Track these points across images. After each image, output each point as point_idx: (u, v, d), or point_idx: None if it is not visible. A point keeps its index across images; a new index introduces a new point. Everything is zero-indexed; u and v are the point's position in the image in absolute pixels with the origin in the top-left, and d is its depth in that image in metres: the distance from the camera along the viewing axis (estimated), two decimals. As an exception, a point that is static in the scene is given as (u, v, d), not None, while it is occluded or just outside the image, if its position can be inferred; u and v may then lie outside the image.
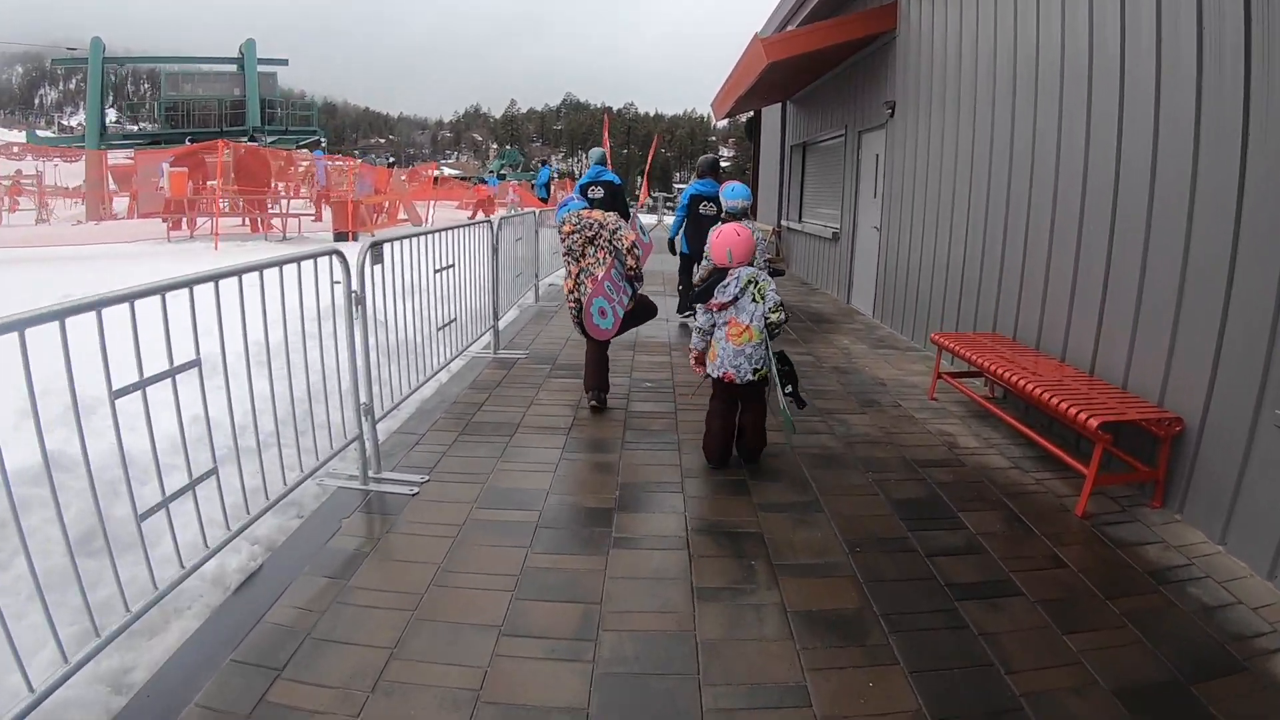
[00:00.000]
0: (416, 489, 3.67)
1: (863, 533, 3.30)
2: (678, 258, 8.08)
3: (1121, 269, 4.11)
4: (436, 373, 5.25)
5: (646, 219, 16.81)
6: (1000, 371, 4.35)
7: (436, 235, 4.92)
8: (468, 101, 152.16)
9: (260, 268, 3.04)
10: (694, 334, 3.99)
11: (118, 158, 17.30)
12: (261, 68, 31.54)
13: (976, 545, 3.22)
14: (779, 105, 13.99)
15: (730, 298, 3.75)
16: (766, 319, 3.75)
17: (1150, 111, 3.85)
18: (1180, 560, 3.14)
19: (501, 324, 7.32)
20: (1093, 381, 4.18)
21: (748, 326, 3.75)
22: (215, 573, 2.81)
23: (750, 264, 3.87)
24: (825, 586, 2.88)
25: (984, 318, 5.73)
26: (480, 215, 18.97)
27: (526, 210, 11.28)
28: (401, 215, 17.62)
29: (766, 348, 3.80)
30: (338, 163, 17.97)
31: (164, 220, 13.51)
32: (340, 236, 13.91)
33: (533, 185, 21.11)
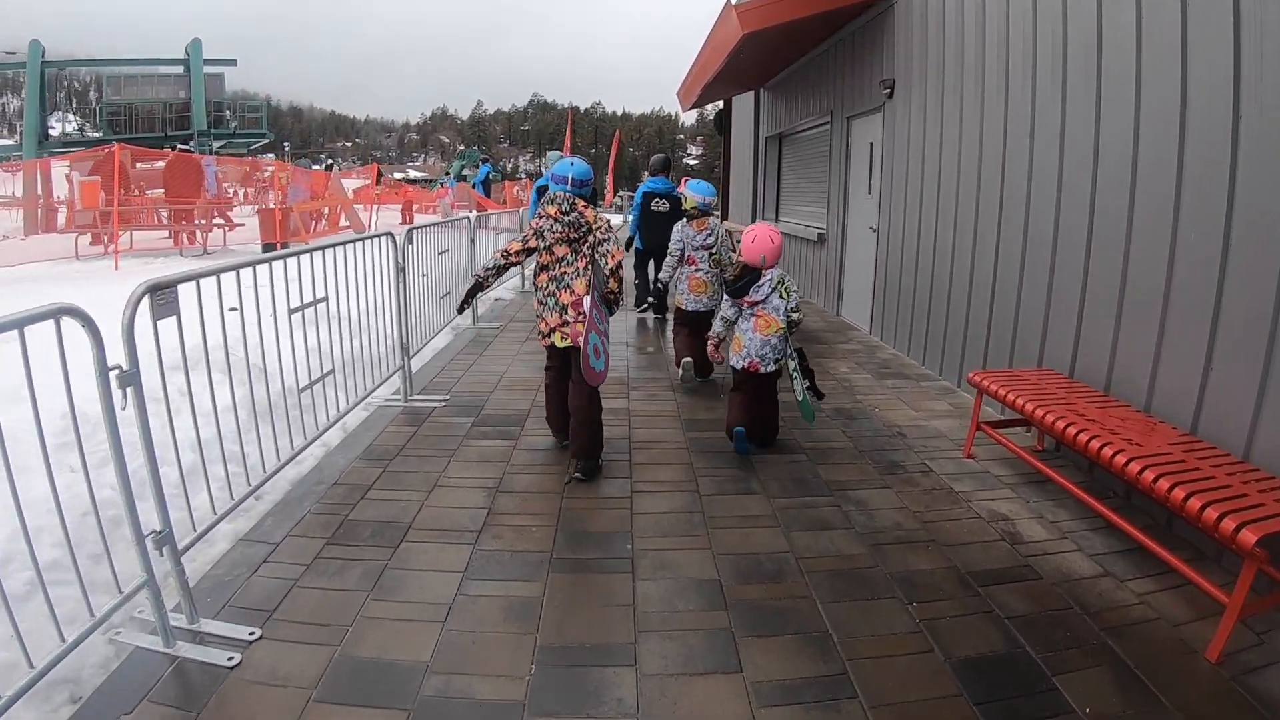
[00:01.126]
0: (238, 656, 2.41)
1: (924, 742, 2.05)
2: (632, 255, 7.91)
3: (1239, 287, 2.94)
4: (325, 430, 3.98)
5: (613, 219, 15.77)
6: (1082, 438, 3.14)
7: (283, 262, 3.61)
8: (434, 104, 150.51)
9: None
10: (717, 321, 4.33)
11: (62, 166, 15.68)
12: (208, 69, 30.32)
13: (1100, 751, 2.01)
14: (752, 94, 12.77)
15: (763, 297, 4.06)
16: (789, 316, 4.07)
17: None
18: (1361, 732, 2.06)
19: (426, 355, 6.04)
20: (1195, 446, 3.00)
21: (773, 319, 4.04)
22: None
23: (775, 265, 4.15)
24: None
25: (1026, 346, 4.51)
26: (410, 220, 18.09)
27: (461, 215, 9.98)
28: (344, 222, 16.15)
29: (787, 340, 4.12)
30: (260, 167, 16.50)
31: (81, 234, 11.94)
32: (269, 248, 12.47)
33: (474, 185, 20.15)
